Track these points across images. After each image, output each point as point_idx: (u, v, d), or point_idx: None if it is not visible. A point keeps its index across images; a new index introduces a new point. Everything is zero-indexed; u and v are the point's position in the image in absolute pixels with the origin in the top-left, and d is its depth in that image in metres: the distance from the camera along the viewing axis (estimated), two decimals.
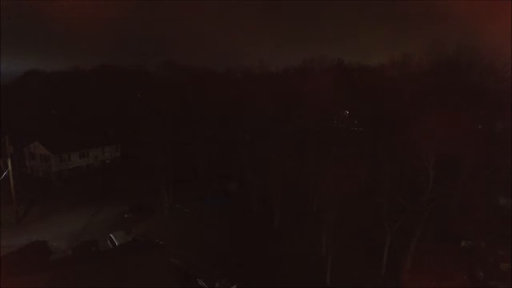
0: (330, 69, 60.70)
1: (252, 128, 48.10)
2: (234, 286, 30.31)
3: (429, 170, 27.66)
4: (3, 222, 43.83)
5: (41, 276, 30.88)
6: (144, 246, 37.75)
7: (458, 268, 33.03)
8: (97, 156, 68.01)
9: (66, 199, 53.31)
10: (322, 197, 31.30)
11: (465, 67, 47.31)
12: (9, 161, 45.03)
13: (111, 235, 38.96)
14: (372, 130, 40.13)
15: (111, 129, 68.31)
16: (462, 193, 32.13)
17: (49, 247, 38.58)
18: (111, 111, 70.83)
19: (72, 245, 38.49)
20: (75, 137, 64.74)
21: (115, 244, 37.39)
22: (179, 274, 32.10)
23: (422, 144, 26.71)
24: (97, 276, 31.48)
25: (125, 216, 45.86)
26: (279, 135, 42.40)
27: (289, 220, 43.11)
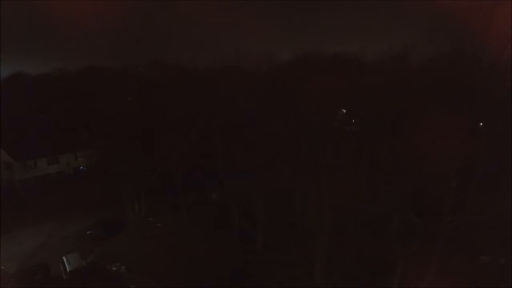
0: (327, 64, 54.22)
1: (235, 132, 42.00)
2: None
3: (451, 180, 21.73)
4: None
5: None
6: (100, 271, 31.37)
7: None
8: (69, 162, 61.57)
9: (28, 212, 46.98)
10: (314, 217, 24.95)
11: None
12: None
13: (64, 258, 32.69)
14: (375, 131, 34.00)
15: (85, 133, 61.77)
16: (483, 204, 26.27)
17: None
18: (86, 114, 64.32)
19: (19, 269, 32.32)
20: (44, 141, 58.34)
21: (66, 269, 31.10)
22: None
23: (443, 148, 20.77)
24: None
25: (88, 232, 39.37)
26: (265, 139, 36.31)
27: (276, 240, 36.62)
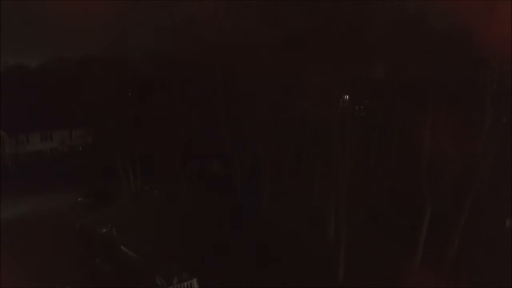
0: None
1: (239, 95, 38.88)
2: (194, 280, 21.45)
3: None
4: None
5: None
6: (90, 234, 28.60)
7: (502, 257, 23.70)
8: (64, 140, 58.77)
9: (18, 186, 44.16)
10: (328, 159, 21.88)
11: None
12: None
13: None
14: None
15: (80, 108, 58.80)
16: None
17: None
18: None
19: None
20: (36, 115, 55.68)
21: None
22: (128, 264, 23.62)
23: None
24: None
25: (79, 199, 36.55)
26: (273, 103, 33.29)
27: (281, 205, 33.53)
